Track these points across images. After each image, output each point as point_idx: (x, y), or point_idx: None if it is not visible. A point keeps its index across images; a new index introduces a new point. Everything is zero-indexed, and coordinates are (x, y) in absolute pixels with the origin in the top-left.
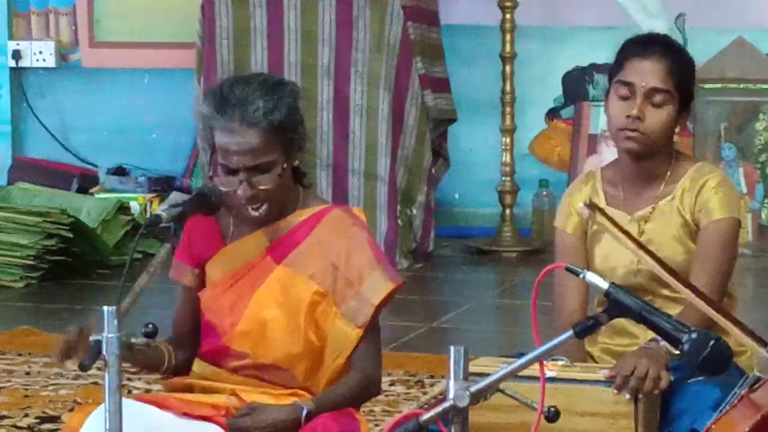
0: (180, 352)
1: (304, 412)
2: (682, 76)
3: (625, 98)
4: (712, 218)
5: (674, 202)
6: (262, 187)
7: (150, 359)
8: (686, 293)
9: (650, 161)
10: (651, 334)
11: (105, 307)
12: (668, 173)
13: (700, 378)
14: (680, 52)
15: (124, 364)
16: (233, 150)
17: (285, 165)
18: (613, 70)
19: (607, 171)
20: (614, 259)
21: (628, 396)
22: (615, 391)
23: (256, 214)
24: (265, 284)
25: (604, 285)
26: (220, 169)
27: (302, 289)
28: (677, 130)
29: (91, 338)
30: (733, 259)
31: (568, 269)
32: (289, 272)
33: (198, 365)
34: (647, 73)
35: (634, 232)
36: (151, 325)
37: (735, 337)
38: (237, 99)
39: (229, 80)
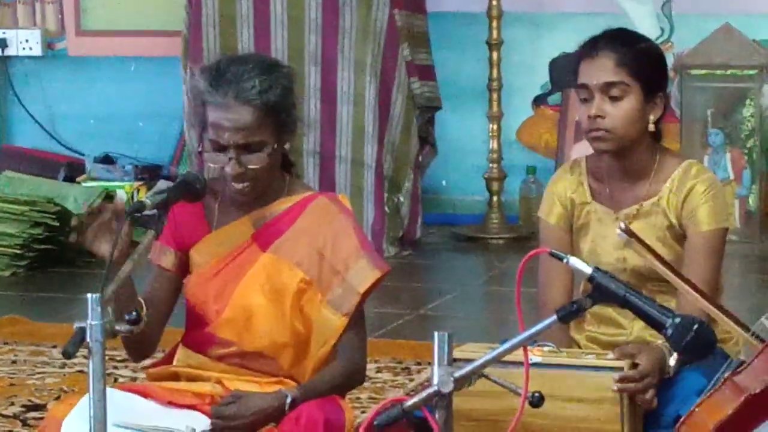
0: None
1: (289, 400)
2: (637, 64)
3: (585, 101)
4: (700, 230)
5: (660, 203)
6: (250, 167)
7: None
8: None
9: (630, 158)
10: (638, 325)
11: (89, 295)
12: (653, 171)
13: (686, 366)
14: (633, 41)
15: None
16: (225, 126)
17: (275, 146)
18: (574, 77)
19: (592, 161)
20: (600, 254)
21: (616, 387)
22: (615, 387)
23: (240, 191)
24: (251, 271)
25: (588, 270)
26: (209, 145)
27: (288, 277)
28: (651, 118)
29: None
30: (720, 267)
31: (552, 254)
32: (274, 259)
33: (183, 353)
34: (597, 70)
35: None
36: (134, 312)
37: (722, 326)
38: (233, 76)
39: (226, 58)
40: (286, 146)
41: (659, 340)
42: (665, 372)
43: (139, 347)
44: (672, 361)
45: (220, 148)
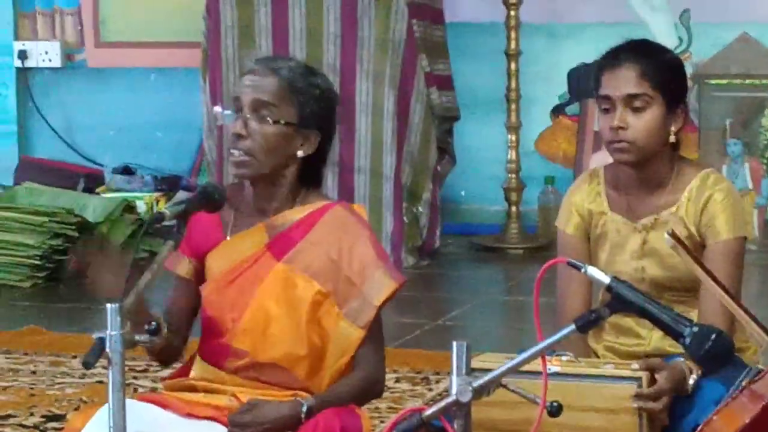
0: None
1: (304, 408)
2: (660, 76)
3: (607, 111)
4: (720, 239)
5: (679, 212)
6: (253, 132)
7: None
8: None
9: (650, 168)
10: (656, 336)
11: (108, 305)
12: (671, 181)
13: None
14: (656, 53)
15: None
16: (245, 84)
17: (285, 125)
18: (594, 88)
19: (610, 171)
20: (618, 264)
21: (635, 405)
22: (634, 405)
23: (235, 161)
24: (267, 281)
25: (606, 279)
26: (231, 103)
27: (303, 289)
28: (672, 129)
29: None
30: (740, 275)
31: (570, 264)
32: (289, 270)
33: (199, 367)
34: (620, 81)
35: (638, 241)
36: (154, 323)
37: (741, 335)
38: (275, 57)
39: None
40: (299, 152)
41: (678, 350)
42: (684, 390)
43: (164, 357)
44: (692, 380)
45: (236, 108)
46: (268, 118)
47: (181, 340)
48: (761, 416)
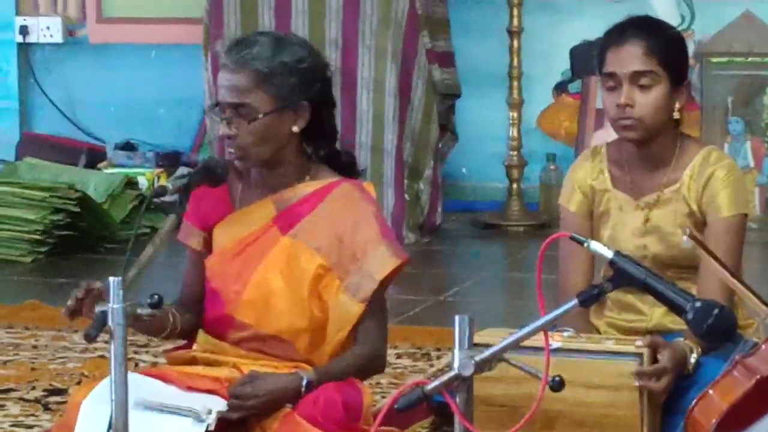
0: (187, 315)
1: (305, 382)
2: (665, 52)
3: (612, 89)
4: (721, 215)
5: (681, 190)
6: (239, 128)
7: (152, 325)
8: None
9: (654, 145)
10: (658, 312)
11: (110, 278)
12: (674, 158)
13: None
14: (660, 29)
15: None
16: (221, 85)
17: (267, 115)
18: (598, 65)
19: (613, 149)
20: (621, 242)
21: (638, 383)
22: (636, 383)
23: (232, 157)
24: (271, 254)
25: (609, 254)
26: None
27: (307, 262)
28: (677, 107)
29: (97, 309)
30: (741, 252)
31: (572, 238)
32: (294, 243)
33: (201, 337)
34: (626, 58)
35: (640, 218)
36: (156, 296)
37: (744, 312)
38: (245, 42)
39: (259, 31)
40: (295, 128)
41: (680, 327)
42: (685, 369)
43: (184, 334)
44: (692, 359)
45: (220, 109)
46: (247, 116)
47: (198, 312)
48: (754, 390)
